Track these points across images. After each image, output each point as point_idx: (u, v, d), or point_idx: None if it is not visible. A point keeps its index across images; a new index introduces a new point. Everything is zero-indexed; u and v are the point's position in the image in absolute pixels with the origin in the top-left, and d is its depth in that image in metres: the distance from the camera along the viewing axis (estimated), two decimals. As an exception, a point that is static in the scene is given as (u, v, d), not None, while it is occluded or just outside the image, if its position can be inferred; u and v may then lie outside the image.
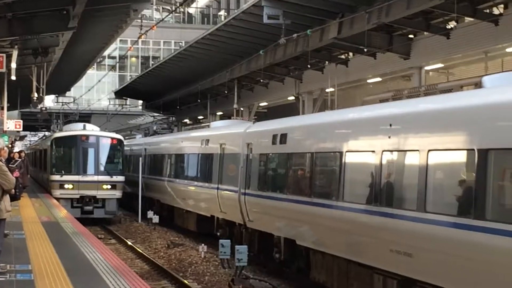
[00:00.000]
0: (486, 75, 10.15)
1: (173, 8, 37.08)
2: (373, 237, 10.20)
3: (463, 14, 14.71)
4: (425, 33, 16.94)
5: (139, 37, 20.73)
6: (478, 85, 9.09)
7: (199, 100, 30.34)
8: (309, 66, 20.09)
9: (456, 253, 8.32)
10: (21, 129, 25.34)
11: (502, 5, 15.22)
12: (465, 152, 8.46)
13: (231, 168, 15.11)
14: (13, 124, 22.43)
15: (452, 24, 16.39)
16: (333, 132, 11.99)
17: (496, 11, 15.12)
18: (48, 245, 11.71)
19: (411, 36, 17.54)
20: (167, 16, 32.47)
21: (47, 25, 13.40)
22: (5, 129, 21.97)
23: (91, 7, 12.67)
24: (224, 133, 16.99)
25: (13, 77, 15.44)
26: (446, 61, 17.09)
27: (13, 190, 8.63)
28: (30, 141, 32.07)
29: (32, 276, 8.77)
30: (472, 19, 15.03)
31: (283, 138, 12.99)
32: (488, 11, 15.52)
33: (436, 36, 16.55)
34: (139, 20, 22.90)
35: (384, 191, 9.92)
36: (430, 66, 17.62)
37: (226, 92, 27.32)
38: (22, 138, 23.83)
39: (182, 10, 43.18)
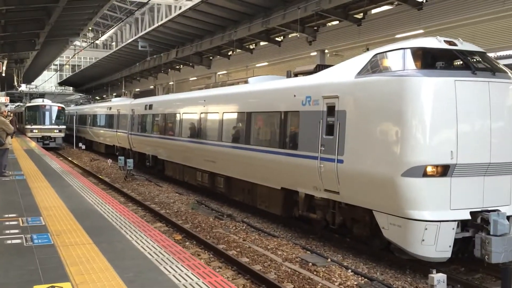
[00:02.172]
0: (250, 77, 15.34)
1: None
2: (195, 154, 16.39)
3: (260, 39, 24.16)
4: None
5: (73, 55, 36.71)
6: (246, 82, 14.70)
7: (104, 88, 51.80)
8: (162, 71, 35.39)
9: (230, 158, 13.74)
10: (8, 101, 38.15)
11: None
12: (239, 113, 13.48)
13: (123, 121, 25.66)
14: (3, 99, 34.48)
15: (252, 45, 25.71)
16: (175, 103, 19.25)
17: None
18: (29, 161, 18.10)
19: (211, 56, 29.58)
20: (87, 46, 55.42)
21: (23, 47, 23.31)
22: None
23: (48, 39, 22.87)
24: (119, 103, 27.60)
25: (3, 74, 25.60)
26: (229, 69, 28.78)
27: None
28: (11, 108, 47.96)
29: (24, 177, 13.56)
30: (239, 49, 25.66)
31: (150, 106, 21.66)
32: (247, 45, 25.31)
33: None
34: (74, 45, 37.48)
35: (201, 131, 15.94)
36: (220, 72, 29.16)
37: (119, 83, 45.68)
38: (6, 106, 38.20)
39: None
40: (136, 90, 46.56)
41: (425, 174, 8.17)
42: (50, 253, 6.46)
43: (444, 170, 8.22)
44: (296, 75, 12.36)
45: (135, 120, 23.66)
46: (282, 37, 23.26)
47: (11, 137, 15.39)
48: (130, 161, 21.02)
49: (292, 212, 11.97)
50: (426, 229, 8.06)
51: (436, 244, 8.11)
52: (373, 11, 18.18)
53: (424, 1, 15.71)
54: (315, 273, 8.73)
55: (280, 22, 19.87)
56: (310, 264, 9.20)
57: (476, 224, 8.35)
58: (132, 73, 40.35)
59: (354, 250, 10.24)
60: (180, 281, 5.43)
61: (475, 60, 9.06)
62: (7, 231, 7.61)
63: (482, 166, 8.43)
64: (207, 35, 26.10)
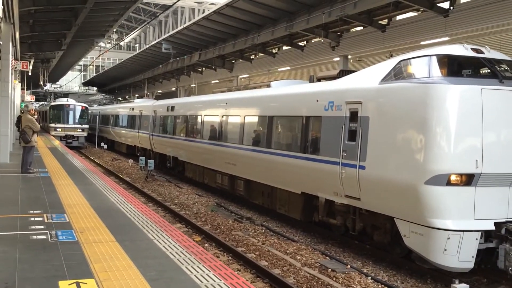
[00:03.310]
0: (272, 81, 15.33)
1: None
2: (216, 156, 16.33)
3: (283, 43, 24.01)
4: (239, 60, 28.68)
5: (98, 56, 37.30)
6: (269, 85, 14.71)
7: (127, 88, 52.32)
8: (185, 73, 35.09)
9: (251, 161, 13.63)
10: (34, 100, 39.65)
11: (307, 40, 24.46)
12: (261, 117, 13.36)
13: (145, 122, 25.84)
14: (29, 97, 35.45)
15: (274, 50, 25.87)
16: (196, 106, 19.20)
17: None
18: (53, 159, 18.85)
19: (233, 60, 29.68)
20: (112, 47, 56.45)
21: (49, 47, 23.81)
22: (25, 99, 34.60)
23: (74, 39, 23.30)
24: (142, 105, 27.92)
25: (30, 73, 26.08)
26: (250, 73, 28.73)
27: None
28: (35, 107, 49.25)
29: (48, 174, 14.07)
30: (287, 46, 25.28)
31: (172, 108, 21.79)
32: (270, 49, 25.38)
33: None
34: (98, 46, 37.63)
35: (222, 134, 15.93)
36: (242, 76, 29.32)
37: (141, 85, 46.65)
38: (32, 104, 40.26)
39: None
40: (158, 91, 47.07)
41: (448, 183, 8.07)
42: (74, 249, 6.57)
43: (469, 179, 8.11)
44: (319, 80, 12.34)
45: (157, 121, 23.86)
46: (305, 42, 23.25)
47: (37, 136, 15.80)
48: (151, 162, 21.10)
49: (311, 217, 11.93)
50: (448, 238, 7.96)
51: (459, 254, 7.99)
52: (398, 17, 18.07)
53: (451, 8, 15.54)
54: (334, 279, 8.69)
55: (303, 26, 19.88)
56: (330, 270, 9.16)
57: (500, 235, 8.22)
58: (154, 74, 40.82)
59: (374, 257, 10.17)
60: (202, 282, 5.47)
61: (502, 68, 8.93)
62: (33, 227, 7.76)
63: (508, 176, 8.30)
64: (230, 39, 26.23)
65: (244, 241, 11.10)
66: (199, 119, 18.47)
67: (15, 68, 21.56)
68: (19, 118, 20.26)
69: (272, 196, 13.47)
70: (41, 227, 7.79)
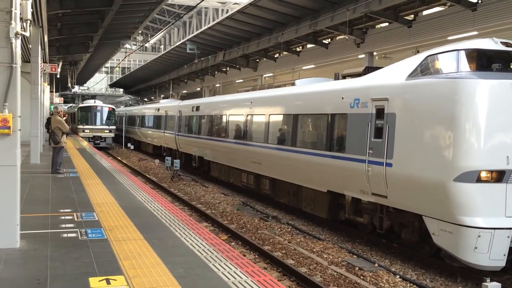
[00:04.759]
0: (297, 79, 15.56)
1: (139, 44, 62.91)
2: (241, 155, 16.29)
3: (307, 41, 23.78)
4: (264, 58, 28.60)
5: (124, 58, 38.71)
6: (293, 84, 14.66)
7: (153, 89, 53.47)
8: (209, 73, 35.65)
9: (276, 160, 13.67)
10: (62, 102, 40.23)
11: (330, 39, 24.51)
12: (286, 115, 13.34)
13: (170, 123, 26.08)
14: (58, 99, 36.09)
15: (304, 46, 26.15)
16: (221, 105, 19.26)
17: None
18: (82, 159, 19.20)
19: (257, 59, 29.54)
20: (137, 48, 57.39)
21: (77, 50, 24.29)
22: (53, 101, 35.14)
23: (100, 42, 23.70)
24: (167, 105, 28.20)
25: (58, 76, 26.68)
26: (275, 72, 28.53)
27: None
28: (64, 108, 50.14)
29: (77, 174, 14.37)
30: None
31: (198, 108, 21.95)
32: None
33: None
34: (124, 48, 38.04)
35: (247, 134, 15.88)
36: (266, 75, 29.25)
37: (167, 85, 47.45)
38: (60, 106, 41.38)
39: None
40: (183, 92, 47.51)
41: (479, 180, 7.91)
42: (104, 247, 6.68)
43: (499, 176, 7.94)
44: (344, 77, 12.25)
45: (182, 122, 24.06)
46: (329, 40, 23.09)
47: (66, 137, 16.13)
48: (177, 162, 21.23)
49: (338, 216, 11.85)
50: (479, 236, 7.80)
51: (490, 252, 7.83)
52: (424, 12, 17.77)
53: (479, 1, 15.21)
54: (362, 277, 8.61)
55: (328, 24, 19.75)
56: (357, 268, 9.08)
57: (533, 233, 8.00)
58: (179, 75, 41.21)
59: (402, 256, 10.04)
60: (229, 279, 5.49)
61: (533, 62, 8.70)
62: (63, 225, 7.92)
63: (540, 172, 8.08)
64: (254, 38, 26.25)
65: (270, 240, 11.10)
66: (224, 119, 18.55)
67: (44, 70, 21.98)
68: (48, 119, 20.84)
69: (297, 195, 13.44)
70: (71, 225, 7.94)
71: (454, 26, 15.99)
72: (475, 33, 15.37)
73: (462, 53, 8.59)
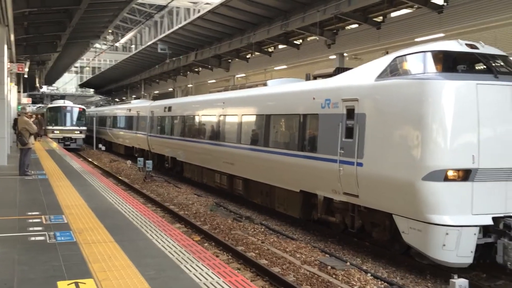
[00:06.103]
0: (269, 80, 15.82)
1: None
2: (214, 156, 16.30)
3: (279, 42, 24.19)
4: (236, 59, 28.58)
5: (94, 57, 37.01)
6: (265, 84, 14.77)
7: (124, 90, 53.11)
8: (181, 74, 34.92)
9: (249, 161, 13.68)
10: (30, 103, 39.31)
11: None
12: (258, 116, 13.34)
13: (142, 123, 25.88)
14: (25, 100, 35.23)
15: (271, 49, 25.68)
16: (193, 106, 19.34)
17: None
18: (51, 161, 18.60)
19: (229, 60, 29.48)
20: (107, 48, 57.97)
21: (45, 49, 23.73)
22: (21, 102, 34.48)
23: (69, 41, 23.23)
24: (139, 105, 27.93)
25: (26, 76, 26.00)
26: (247, 72, 28.61)
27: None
28: (32, 109, 48.54)
29: (46, 176, 14.03)
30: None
31: (170, 108, 21.74)
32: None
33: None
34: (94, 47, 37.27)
35: (220, 134, 15.88)
36: (238, 75, 29.22)
37: (138, 86, 47.48)
38: (29, 107, 40.19)
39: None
40: (155, 92, 47.11)
41: (446, 179, 8.09)
42: (73, 250, 6.57)
43: (466, 175, 8.14)
44: (315, 77, 12.36)
45: (154, 122, 23.87)
46: (301, 40, 23.26)
47: (35, 138, 15.84)
48: (149, 163, 21.07)
49: (310, 215, 11.94)
50: (447, 234, 7.98)
51: (458, 250, 8.01)
52: (393, 14, 18.09)
53: (445, 4, 15.57)
54: (334, 276, 8.70)
55: (299, 25, 19.89)
56: (329, 267, 9.17)
57: (499, 229, 8.24)
58: (151, 75, 40.82)
59: (373, 254, 10.19)
60: (200, 280, 5.47)
61: (497, 64, 8.95)
62: (31, 228, 7.75)
63: (505, 171, 8.33)
64: (226, 38, 26.22)
65: (243, 240, 11.10)
66: (197, 119, 18.48)
67: (11, 70, 21.43)
68: (15, 120, 20.25)
69: (270, 195, 13.49)
70: (40, 228, 7.78)
71: (421, 28, 16.33)
72: (441, 35, 15.72)
73: (429, 55, 8.78)
